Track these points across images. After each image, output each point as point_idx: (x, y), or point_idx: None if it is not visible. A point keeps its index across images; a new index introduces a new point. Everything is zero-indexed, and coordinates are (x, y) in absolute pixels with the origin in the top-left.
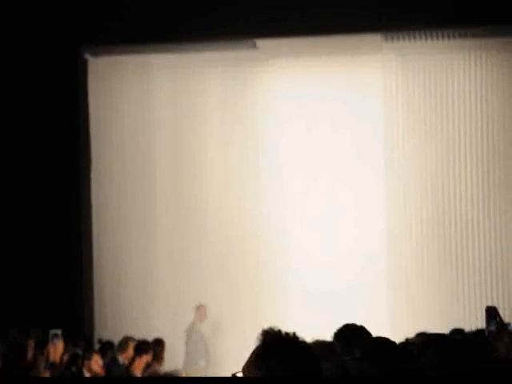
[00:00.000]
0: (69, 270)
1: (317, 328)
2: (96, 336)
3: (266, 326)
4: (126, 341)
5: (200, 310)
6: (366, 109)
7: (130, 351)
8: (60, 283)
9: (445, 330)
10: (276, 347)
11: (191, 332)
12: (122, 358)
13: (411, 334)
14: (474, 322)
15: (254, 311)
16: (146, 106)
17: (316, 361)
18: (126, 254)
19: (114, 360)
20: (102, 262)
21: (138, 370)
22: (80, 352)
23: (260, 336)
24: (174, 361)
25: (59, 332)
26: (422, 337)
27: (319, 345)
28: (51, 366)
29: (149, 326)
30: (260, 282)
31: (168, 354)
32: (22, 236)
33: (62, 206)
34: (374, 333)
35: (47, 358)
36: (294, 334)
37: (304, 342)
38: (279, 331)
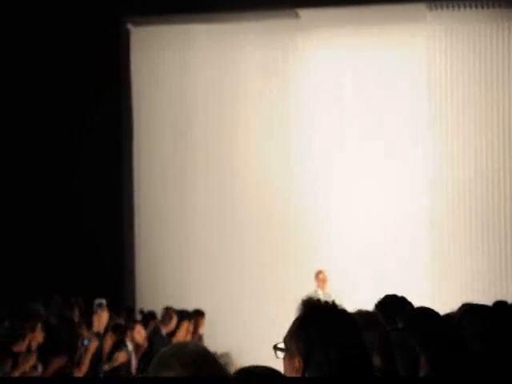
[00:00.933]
0: (111, 242)
1: (359, 300)
2: (138, 307)
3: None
4: (169, 313)
5: (319, 276)
6: (410, 77)
7: (174, 323)
8: (102, 254)
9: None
10: (315, 317)
11: None
12: (166, 330)
13: (453, 302)
14: None
15: (295, 282)
16: (188, 75)
17: (357, 330)
18: (166, 227)
19: (158, 331)
20: (144, 233)
21: (179, 340)
22: (123, 322)
23: (300, 306)
24: (211, 332)
25: (104, 302)
26: (464, 307)
27: (362, 315)
28: (96, 335)
29: (188, 297)
30: (300, 251)
31: (206, 326)
32: (64, 208)
33: (103, 177)
34: (416, 303)
35: (91, 327)
36: (334, 302)
37: (344, 311)
38: (318, 300)
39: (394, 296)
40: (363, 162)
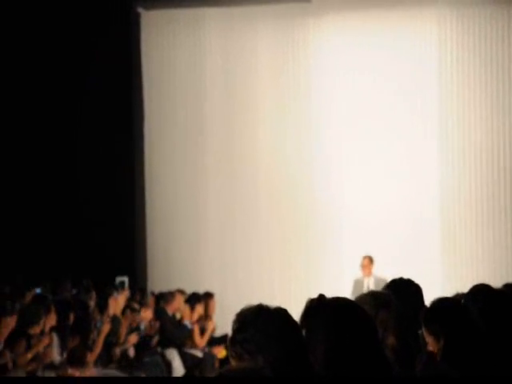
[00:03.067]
0: (123, 224)
1: None
2: (149, 289)
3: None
4: (172, 292)
5: (364, 262)
6: (421, 61)
7: (177, 302)
8: (114, 236)
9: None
10: (253, 320)
11: (356, 286)
12: (170, 310)
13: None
14: None
15: (305, 267)
16: (198, 59)
17: (293, 328)
18: (177, 211)
19: (162, 311)
20: (156, 216)
21: (191, 321)
22: (137, 306)
23: (236, 317)
24: (222, 315)
25: (126, 280)
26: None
27: (376, 295)
28: (113, 319)
29: (199, 280)
30: (311, 237)
31: (217, 308)
32: (74, 190)
33: (114, 160)
34: (427, 284)
35: (104, 310)
36: (259, 305)
37: (279, 311)
38: (252, 307)
39: (400, 279)
40: (375, 146)
